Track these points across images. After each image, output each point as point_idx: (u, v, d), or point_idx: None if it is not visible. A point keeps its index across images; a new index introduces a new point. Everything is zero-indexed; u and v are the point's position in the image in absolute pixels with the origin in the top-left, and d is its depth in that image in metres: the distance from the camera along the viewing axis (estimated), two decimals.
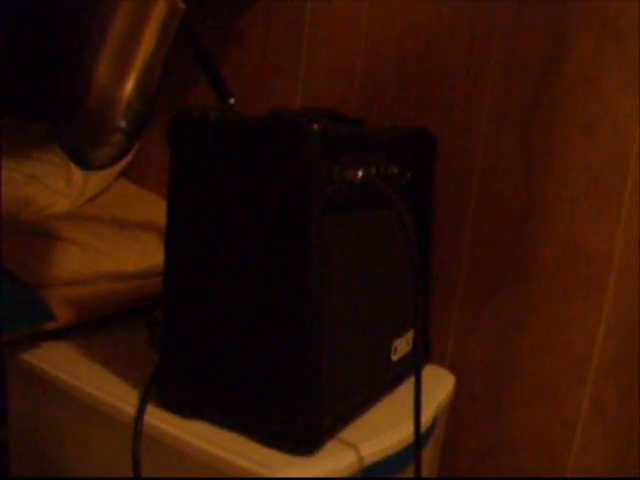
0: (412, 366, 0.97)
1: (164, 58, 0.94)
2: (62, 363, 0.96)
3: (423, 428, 0.88)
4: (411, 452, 0.84)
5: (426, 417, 0.92)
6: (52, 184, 1.31)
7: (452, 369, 1.07)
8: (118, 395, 0.89)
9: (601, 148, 0.98)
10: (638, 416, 1.00)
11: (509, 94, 1.04)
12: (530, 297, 1.04)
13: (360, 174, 0.79)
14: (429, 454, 1.01)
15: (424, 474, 0.96)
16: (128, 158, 1.43)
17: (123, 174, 1.48)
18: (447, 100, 1.09)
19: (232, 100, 1.13)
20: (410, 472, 0.85)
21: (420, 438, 0.83)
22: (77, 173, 1.34)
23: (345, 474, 0.80)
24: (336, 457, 0.80)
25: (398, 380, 0.97)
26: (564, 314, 1.01)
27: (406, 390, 0.95)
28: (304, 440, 0.79)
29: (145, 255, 1.17)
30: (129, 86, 0.92)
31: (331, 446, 0.81)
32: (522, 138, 1.03)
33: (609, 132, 0.97)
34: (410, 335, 0.98)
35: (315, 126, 0.73)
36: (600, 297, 0.99)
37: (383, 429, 0.87)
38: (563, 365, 1.02)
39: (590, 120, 0.98)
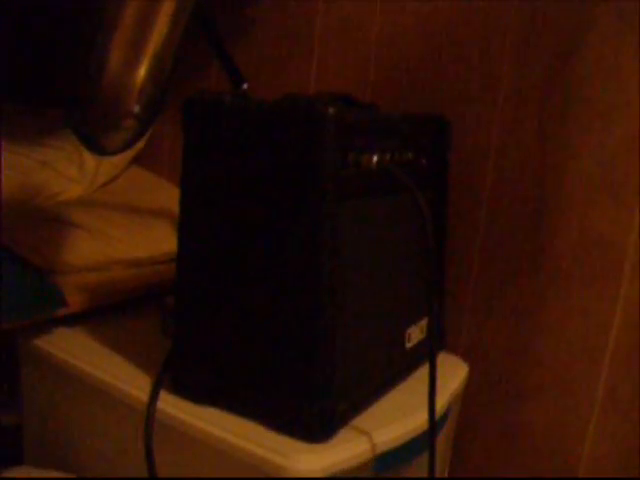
0: (426, 354, 0.97)
1: (178, 43, 0.93)
2: (74, 349, 0.96)
3: (437, 415, 0.88)
4: (425, 440, 0.84)
5: (440, 405, 0.91)
6: (64, 171, 1.31)
7: (466, 357, 1.07)
8: (130, 381, 0.89)
9: (619, 135, 0.97)
10: None
11: (525, 80, 1.03)
12: (545, 286, 1.03)
13: (375, 159, 0.78)
14: (442, 442, 1.00)
15: (437, 461, 0.96)
16: (140, 145, 1.43)
17: (135, 161, 1.48)
18: (462, 87, 1.08)
19: (245, 85, 1.12)
20: (424, 460, 0.84)
21: (434, 426, 0.82)
22: (89, 160, 1.34)
23: (358, 461, 0.79)
24: (349, 444, 0.79)
25: (412, 368, 0.96)
26: (579, 303, 1.01)
27: (420, 378, 0.94)
28: (317, 427, 0.78)
29: (157, 241, 1.17)
30: (142, 71, 0.91)
31: (344, 433, 0.80)
32: (538, 125, 1.02)
33: (627, 119, 0.96)
34: (424, 323, 0.97)
35: (330, 110, 0.72)
36: (615, 286, 0.98)
37: (396, 417, 0.86)
38: (577, 354, 1.01)
39: (608, 107, 0.97)
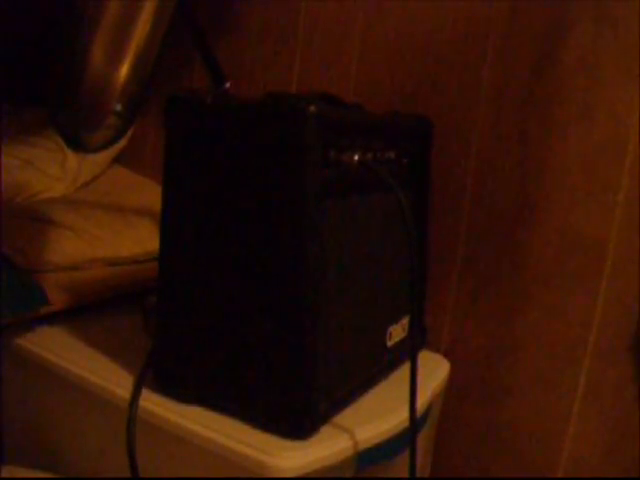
0: (407, 352, 0.97)
1: (160, 42, 0.93)
2: (57, 347, 0.96)
3: (418, 413, 0.89)
4: (406, 437, 0.84)
5: (421, 402, 0.92)
6: (46, 169, 1.30)
7: (448, 355, 1.08)
8: (113, 379, 0.89)
9: (598, 135, 0.98)
10: (633, 405, 1.01)
11: (506, 81, 1.03)
12: (526, 284, 1.04)
13: (357, 158, 0.79)
14: (424, 439, 1.01)
15: (419, 459, 0.97)
16: (123, 143, 1.43)
17: (118, 160, 1.47)
18: (444, 87, 1.09)
19: (228, 84, 1.12)
20: (406, 457, 0.85)
21: (416, 423, 0.83)
22: (72, 158, 1.33)
23: (340, 458, 0.80)
24: (331, 441, 0.80)
25: (393, 366, 0.97)
26: (560, 301, 1.01)
27: (401, 376, 0.95)
28: (300, 424, 0.79)
29: (140, 240, 1.17)
30: (124, 69, 0.91)
31: (326, 430, 0.81)
32: (519, 125, 1.03)
33: (606, 119, 0.97)
34: (405, 321, 0.98)
35: (312, 108, 0.73)
36: (596, 284, 0.99)
37: (378, 414, 0.87)
38: (559, 352, 1.02)
39: (587, 107, 0.98)
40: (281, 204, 0.75)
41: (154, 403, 0.84)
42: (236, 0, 1.31)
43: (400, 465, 0.89)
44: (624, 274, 0.98)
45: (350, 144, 0.80)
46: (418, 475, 1.03)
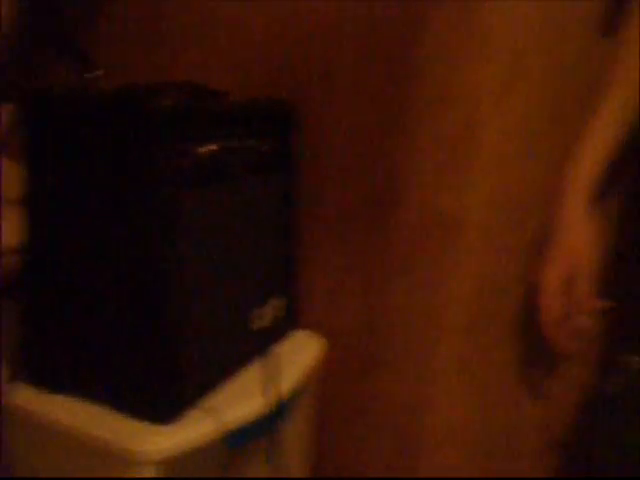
0: (278, 333, 1.01)
1: (15, 29, 0.92)
2: None
3: (289, 392, 0.92)
4: (275, 416, 0.87)
5: (293, 380, 0.95)
6: None
7: (322, 332, 1.10)
8: None
9: (458, 117, 1.01)
10: (501, 372, 1.06)
11: (366, 67, 1.05)
12: (393, 261, 1.08)
13: (209, 149, 0.80)
14: (302, 415, 1.04)
15: (297, 434, 1.01)
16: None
17: None
18: (309, 75, 1.10)
19: (100, 72, 1.11)
20: (285, 429, 0.88)
21: (279, 408, 0.86)
22: None
23: (207, 440, 0.82)
24: (198, 425, 0.82)
25: (264, 347, 0.99)
26: (424, 277, 1.06)
27: (273, 356, 0.98)
28: (165, 409, 0.81)
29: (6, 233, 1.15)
30: None
31: (193, 414, 0.83)
32: (379, 109, 1.05)
33: (463, 103, 1.00)
34: (275, 302, 1.00)
35: (163, 102, 0.74)
36: (458, 261, 1.03)
37: (245, 396, 0.89)
38: (423, 326, 1.06)
39: (445, 92, 1.01)
40: (136, 197, 0.76)
41: (22, 395, 0.85)
42: None
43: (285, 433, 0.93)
44: (485, 251, 1.02)
45: (207, 134, 0.82)
46: (304, 441, 1.07)
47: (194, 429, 0.81)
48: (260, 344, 0.97)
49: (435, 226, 1.03)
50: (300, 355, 1.03)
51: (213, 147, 0.81)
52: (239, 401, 0.88)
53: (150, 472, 0.78)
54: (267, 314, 0.98)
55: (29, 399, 0.85)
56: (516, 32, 0.97)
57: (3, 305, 1.00)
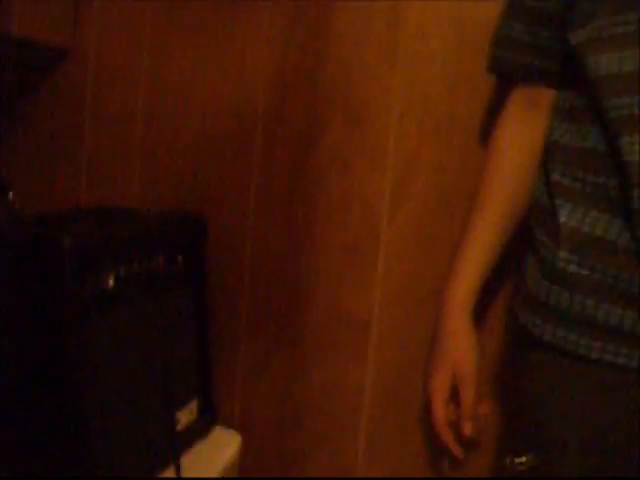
0: (197, 433, 1.06)
1: None
2: None
3: None
4: None
5: (213, 477, 1.01)
6: None
7: (240, 429, 1.16)
8: None
9: (356, 223, 1.11)
10: (410, 458, 1.12)
11: (274, 174, 1.15)
12: (304, 358, 1.15)
13: (111, 282, 0.87)
14: None
15: None
16: None
17: None
18: (218, 180, 1.19)
19: (10, 194, 1.15)
20: None
21: None
22: None
23: None
24: None
25: (187, 446, 1.05)
26: (334, 372, 1.14)
27: (193, 456, 1.03)
28: None
29: None
30: None
31: None
32: (287, 213, 1.15)
33: (361, 209, 1.11)
34: (194, 405, 1.06)
35: (66, 239, 0.80)
36: (362, 356, 1.12)
37: None
38: (337, 417, 1.14)
39: (344, 199, 1.12)
40: (46, 323, 0.83)
41: None
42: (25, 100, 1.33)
43: None
44: (387, 348, 1.11)
45: (115, 260, 0.89)
46: None
47: None
48: (180, 445, 1.02)
49: (342, 324, 1.13)
50: (218, 451, 1.08)
51: (111, 282, 0.87)
52: None
53: None
54: (185, 416, 1.04)
55: None
56: (407, 146, 1.08)
57: None
